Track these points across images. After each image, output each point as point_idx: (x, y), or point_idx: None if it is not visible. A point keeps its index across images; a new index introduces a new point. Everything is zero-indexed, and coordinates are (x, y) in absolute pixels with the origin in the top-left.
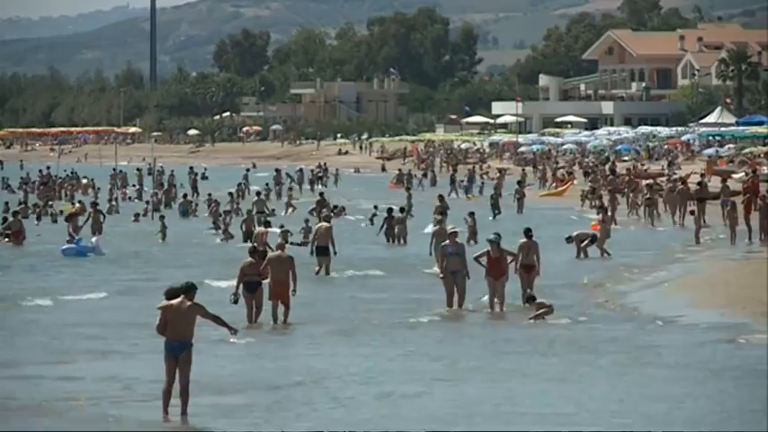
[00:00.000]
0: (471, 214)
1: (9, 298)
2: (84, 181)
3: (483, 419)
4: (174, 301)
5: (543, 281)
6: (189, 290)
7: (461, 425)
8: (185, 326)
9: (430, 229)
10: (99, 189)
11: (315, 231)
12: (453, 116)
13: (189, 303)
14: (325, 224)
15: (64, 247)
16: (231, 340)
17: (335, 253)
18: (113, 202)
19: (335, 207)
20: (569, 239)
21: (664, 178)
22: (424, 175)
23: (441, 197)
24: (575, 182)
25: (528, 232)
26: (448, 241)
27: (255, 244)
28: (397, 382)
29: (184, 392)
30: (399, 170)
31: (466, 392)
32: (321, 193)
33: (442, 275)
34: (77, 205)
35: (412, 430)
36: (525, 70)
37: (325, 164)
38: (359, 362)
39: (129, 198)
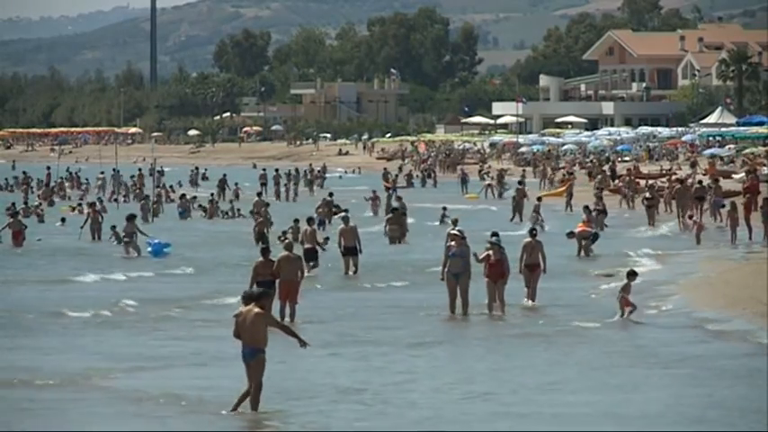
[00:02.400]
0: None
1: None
2: (100, 177)
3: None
4: (245, 308)
5: (543, 282)
6: (259, 297)
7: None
8: (253, 333)
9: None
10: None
11: (340, 232)
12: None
13: (256, 311)
14: (348, 225)
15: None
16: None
17: (360, 251)
18: (103, 203)
19: (337, 207)
20: (570, 235)
21: (664, 179)
22: (428, 176)
23: (398, 198)
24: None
25: (532, 231)
26: (453, 242)
27: (304, 242)
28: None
29: (254, 398)
30: (385, 168)
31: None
32: (330, 194)
33: (441, 278)
34: (78, 207)
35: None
36: (525, 70)
37: (311, 165)
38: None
39: (126, 200)
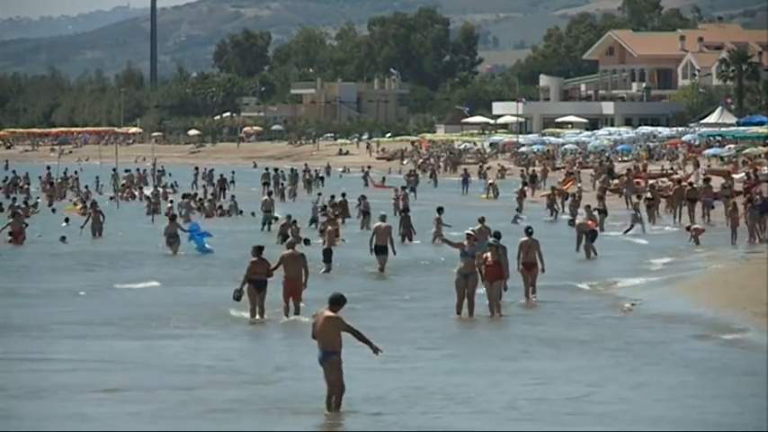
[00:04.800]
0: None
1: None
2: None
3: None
4: (320, 311)
5: (544, 281)
6: (331, 301)
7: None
8: (324, 336)
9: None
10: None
11: (374, 230)
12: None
13: (327, 314)
14: (383, 224)
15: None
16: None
17: (395, 253)
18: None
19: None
20: (571, 222)
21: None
22: (429, 175)
23: (362, 197)
24: (574, 183)
25: (528, 230)
26: (466, 242)
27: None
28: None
29: (337, 400)
30: (369, 167)
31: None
32: (343, 194)
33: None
34: (79, 206)
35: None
36: (525, 70)
37: (306, 164)
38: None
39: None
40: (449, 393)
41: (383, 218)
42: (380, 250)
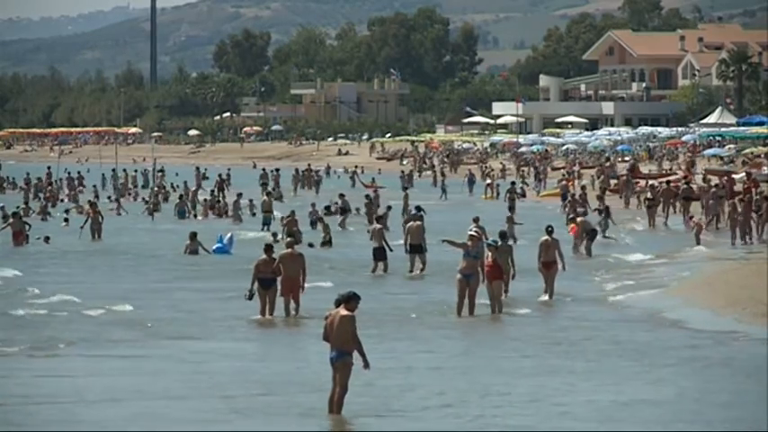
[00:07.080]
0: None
1: None
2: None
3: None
4: (334, 311)
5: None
6: (347, 300)
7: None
8: (339, 336)
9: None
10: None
11: (407, 230)
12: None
13: (343, 313)
14: (416, 222)
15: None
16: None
17: (425, 249)
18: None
19: (351, 209)
20: (572, 220)
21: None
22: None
23: (341, 195)
24: (575, 182)
25: (548, 229)
26: (469, 243)
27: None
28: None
29: (339, 401)
30: (356, 166)
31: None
32: (367, 195)
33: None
34: (84, 207)
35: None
36: (525, 71)
37: (309, 165)
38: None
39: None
40: (475, 393)
41: (415, 217)
42: (415, 249)
